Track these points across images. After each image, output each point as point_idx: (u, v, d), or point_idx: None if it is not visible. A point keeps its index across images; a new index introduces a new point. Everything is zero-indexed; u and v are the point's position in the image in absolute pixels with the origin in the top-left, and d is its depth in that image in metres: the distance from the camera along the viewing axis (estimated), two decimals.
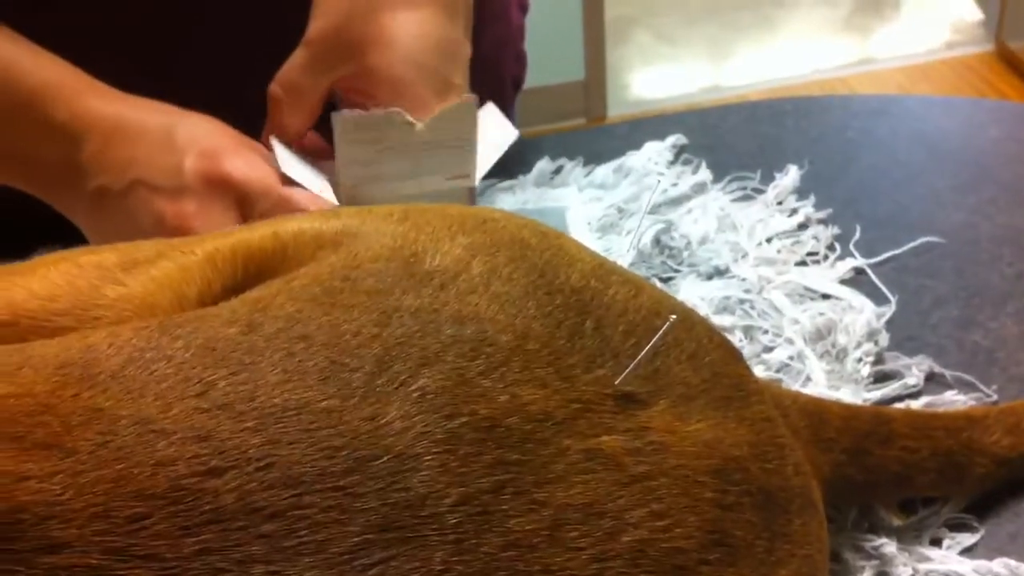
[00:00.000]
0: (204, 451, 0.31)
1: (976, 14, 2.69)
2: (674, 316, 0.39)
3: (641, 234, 0.68)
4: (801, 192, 0.73)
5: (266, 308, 0.37)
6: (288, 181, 0.58)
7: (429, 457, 0.33)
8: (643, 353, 0.38)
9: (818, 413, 0.48)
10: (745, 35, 2.69)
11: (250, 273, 0.43)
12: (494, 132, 0.67)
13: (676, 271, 0.67)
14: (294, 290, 0.38)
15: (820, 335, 0.61)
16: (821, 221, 0.70)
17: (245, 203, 0.57)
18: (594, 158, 0.78)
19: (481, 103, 0.64)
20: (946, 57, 2.53)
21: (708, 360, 0.41)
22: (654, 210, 0.72)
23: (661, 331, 0.38)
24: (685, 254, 0.68)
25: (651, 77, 2.69)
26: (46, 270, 0.44)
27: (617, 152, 0.78)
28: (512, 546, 0.32)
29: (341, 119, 0.58)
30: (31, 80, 0.58)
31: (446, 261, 0.40)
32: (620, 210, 0.72)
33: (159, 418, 0.32)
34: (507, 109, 0.87)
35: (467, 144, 0.61)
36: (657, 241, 0.68)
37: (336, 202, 0.60)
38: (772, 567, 0.37)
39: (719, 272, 0.67)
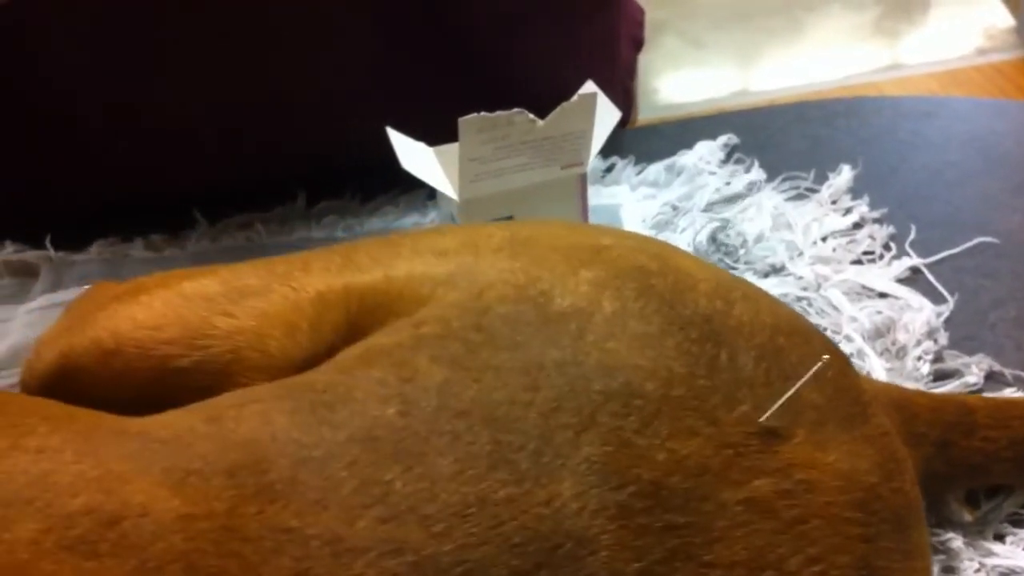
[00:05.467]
0: (401, 568, 0.31)
1: (1008, 20, 2.68)
2: (826, 356, 0.40)
3: (698, 232, 0.69)
4: (855, 192, 0.73)
5: (413, 378, 0.37)
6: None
7: (606, 536, 0.34)
8: (787, 395, 0.39)
9: (907, 407, 0.48)
10: (774, 40, 2.68)
11: (363, 310, 0.44)
12: (601, 115, 0.68)
13: (733, 268, 0.68)
14: (428, 342, 0.39)
15: (879, 333, 0.61)
16: (876, 220, 0.70)
17: None
18: (644, 157, 0.78)
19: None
20: (977, 63, 2.51)
21: (829, 375, 0.41)
22: (708, 208, 0.72)
23: (806, 376, 0.39)
24: (741, 252, 0.68)
25: (680, 81, 2.68)
26: (149, 299, 0.45)
27: (666, 152, 0.78)
28: None
29: (465, 122, 0.59)
30: None
31: (577, 300, 0.40)
32: (674, 208, 0.73)
33: (348, 534, 0.32)
34: None
35: (585, 134, 0.62)
36: (713, 239, 0.69)
37: (453, 195, 0.61)
38: None
39: (775, 270, 0.67)
